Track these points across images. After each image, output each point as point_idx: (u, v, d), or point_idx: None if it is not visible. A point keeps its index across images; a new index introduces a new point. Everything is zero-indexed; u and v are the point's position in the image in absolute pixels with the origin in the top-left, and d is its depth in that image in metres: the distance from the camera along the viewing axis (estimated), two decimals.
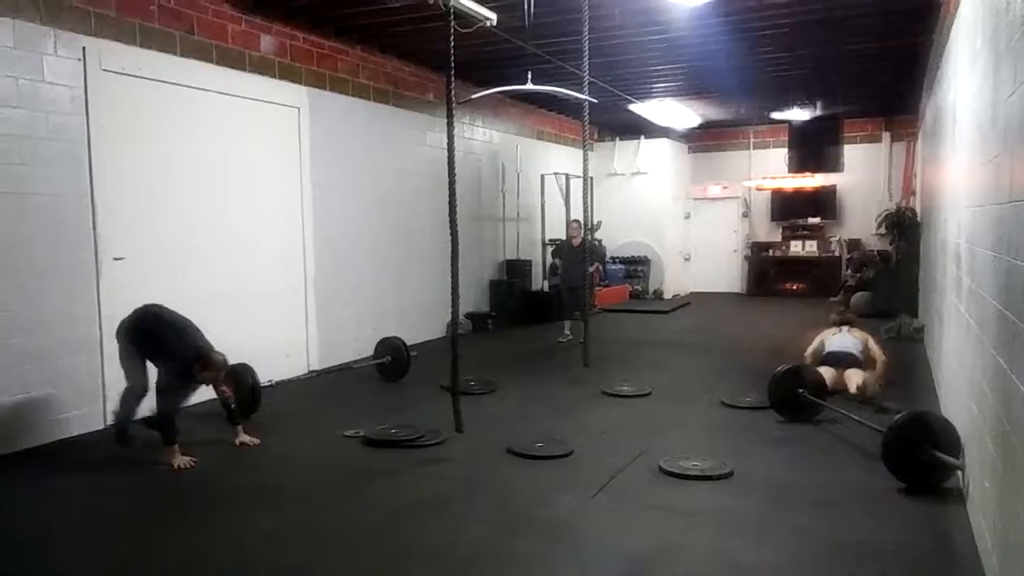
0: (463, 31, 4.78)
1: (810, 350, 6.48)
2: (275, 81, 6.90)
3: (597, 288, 11.90)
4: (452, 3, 4.51)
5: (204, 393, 5.77)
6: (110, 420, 5.20)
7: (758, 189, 14.53)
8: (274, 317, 6.98)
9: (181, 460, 4.59)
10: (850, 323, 6.71)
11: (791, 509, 3.85)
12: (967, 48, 4.30)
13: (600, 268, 11.09)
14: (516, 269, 11.17)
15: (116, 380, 5.16)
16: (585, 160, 5.80)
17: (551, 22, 6.65)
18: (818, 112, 11.96)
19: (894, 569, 3.22)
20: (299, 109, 7.19)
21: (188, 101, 6.07)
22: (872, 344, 6.36)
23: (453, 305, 4.70)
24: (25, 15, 4.90)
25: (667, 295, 14.20)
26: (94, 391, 5.35)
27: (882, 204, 13.12)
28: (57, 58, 5.09)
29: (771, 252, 14.59)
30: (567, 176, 12.13)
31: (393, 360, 6.92)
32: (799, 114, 11.97)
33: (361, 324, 7.90)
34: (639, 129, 13.62)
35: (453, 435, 4.85)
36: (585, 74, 5.70)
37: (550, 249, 11.35)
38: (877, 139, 13.70)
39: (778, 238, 14.61)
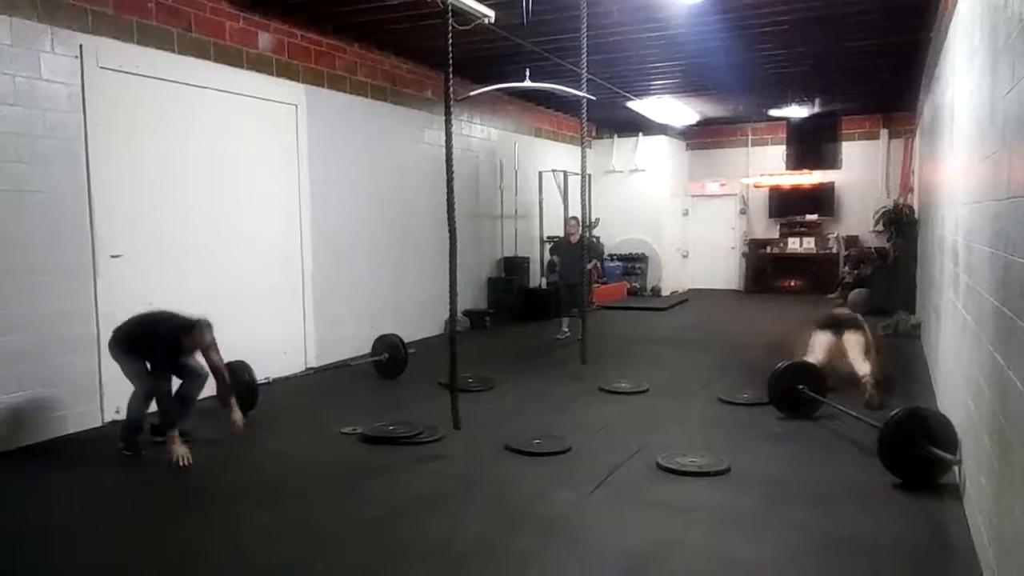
0: (461, 28, 4.78)
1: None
2: (273, 78, 6.89)
3: (595, 285, 11.90)
4: (450, 0, 4.50)
5: (203, 391, 5.78)
6: (119, 421, 5.18)
7: (756, 186, 14.53)
8: (271, 314, 6.98)
9: (179, 450, 4.55)
10: (843, 326, 6.27)
11: (788, 505, 3.86)
12: (965, 45, 4.31)
13: (598, 265, 11.09)
14: (514, 266, 11.18)
15: (113, 378, 5.16)
16: (583, 157, 5.81)
17: (549, 19, 6.65)
18: (816, 109, 11.94)
19: (891, 564, 3.23)
20: (297, 106, 7.18)
21: (186, 98, 6.06)
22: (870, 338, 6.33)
23: (451, 302, 4.70)
24: (22, 12, 4.89)
25: (665, 292, 14.20)
26: (91, 389, 5.35)
27: (880, 201, 13.14)
28: (54, 55, 5.08)
29: (769, 249, 14.60)
30: (565, 173, 12.13)
31: (391, 357, 6.92)
32: (797, 111, 11.94)
33: (359, 321, 7.90)
34: (637, 126, 13.62)
35: (451, 432, 4.86)
36: (583, 71, 5.70)
37: (548, 246, 11.36)
38: (875, 136, 13.72)
39: (776, 235, 14.63)
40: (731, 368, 7.34)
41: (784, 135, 13.79)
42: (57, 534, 3.66)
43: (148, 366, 4.81)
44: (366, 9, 6.74)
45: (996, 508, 2.81)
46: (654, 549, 3.37)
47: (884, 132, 13.62)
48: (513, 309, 10.71)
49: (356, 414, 5.54)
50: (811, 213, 14.11)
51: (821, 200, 14.00)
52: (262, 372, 5.89)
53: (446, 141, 4.53)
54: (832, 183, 13.86)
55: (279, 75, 6.96)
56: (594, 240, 12.07)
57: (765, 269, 14.53)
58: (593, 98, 6.03)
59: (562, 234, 10.33)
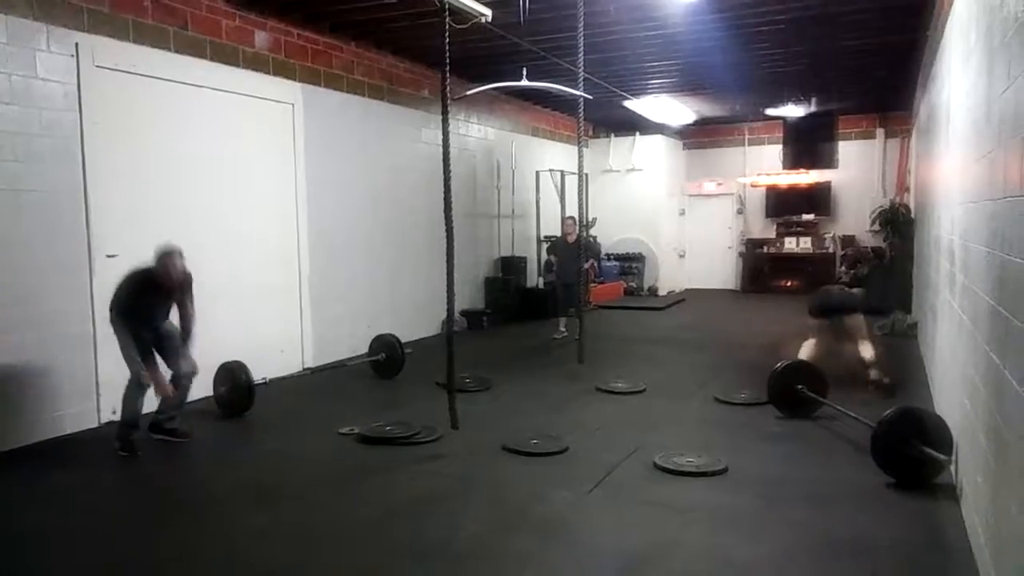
0: (458, 27, 4.77)
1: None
2: (269, 77, 6.88)
3: (592, 285, 11.90)
4: None
5: (200, 391, 5.78)
6: (115, 421, 5.16)
7: (753, 186, 14.54)
8: (268, 314, 6.97)
9: (164, 386, 4.76)
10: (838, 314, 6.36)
11: (785, 505, 3.86)
12: (961, 44, 4.31)
13: (595, 265, 11.09)
14: (511, 266, 11.17)
15: (110, 378, 5.16)
16: (580, 156, 5.80)
17: (546, 18, 6.64)
18: (813, 108, 11.97)
19: (889, 564, 3.23)
20: (293, 105, 7.17)
21: (182, 97, 6.04)
22: None
23: (449, 302, 4.69)
24: (18, 11, 4.87)
25: (662, 292, 14.21)
26: (88, 388, 5.33)
27: (876, 200, 13.15)
28: (50, 54, 5.06)
29: (766, 249, 14.61)
30: (562, 173, 12.13)
31: (388, 357, 6.91)
32: (794, 110, 11.97)
33: (356, 321, 7.89)
34: (634, 125, 13.62)
35: (448, 432, 4.85)
36: (580, 70, 5.70)
37: (545, 246, 11.37)
38: (871, 135, 13.73)
39: (772, 235, 14.64)
40: (728, 368, 7.35)
41: (781, 134, 13.84)
42: (53, 535, 3.65)
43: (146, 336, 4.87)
44: (363, 8, 6.73)
45: (992, 508, 2.82)
46: (651, 549, 3.37)
47: (880, 131, 13.63)
48: (510, 309, 10.70)
49: (353, 414, 5.53)
50: (808, 213, 14.12)
51: (818, 200, 14.01)
52: (259, 372, 5.87)
53: (443, 140, 4.52)
54: (829, 182, 13.87)
55: (276, 74, 6.95)
56: (591, 240, 12.07)
57: (762, 269, 14.54)
58: (590, 97, 6.02)
59: (559, 234, 10.34)
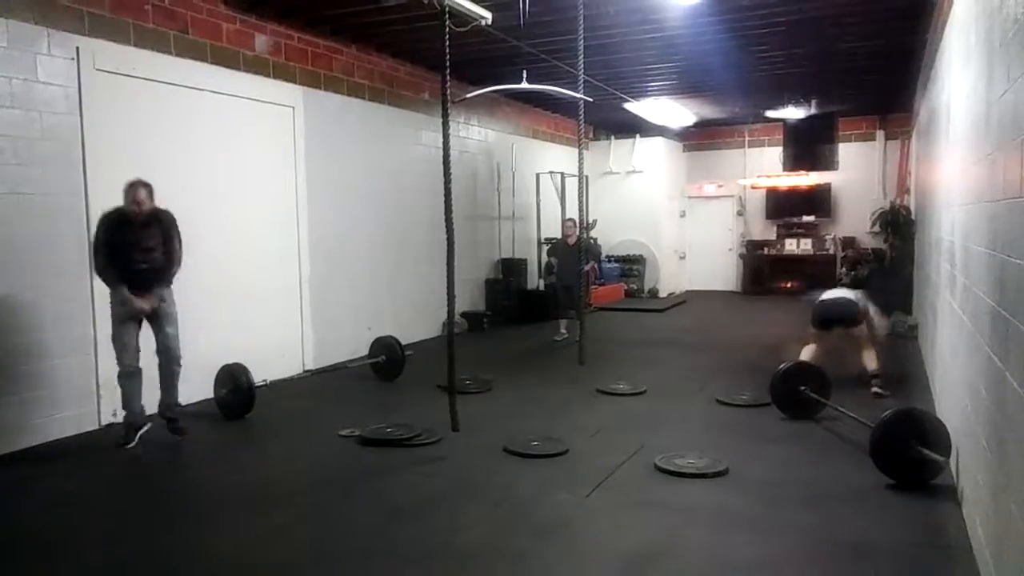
0: (458, 30, 4.77)
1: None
2: (270, 80, 6.89)
3: (592, 287, 11.90)
4: (447, 2, 4.50)
5: (200, 392, 5.79)
6: (116, 423, 5.19)
7: (753, 187, 14.55)
8: (269, 317, 6.97)
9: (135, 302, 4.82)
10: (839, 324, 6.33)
11: (786, 506, 3.86)
12: (961, 46, 4.32)
13: (595, 267, 11.08)
14: (512, 268, 11.17)
15: (110, 380, 5.16)
16: (580, 159, 5.80)
17: (546, 21, 6.65)
18: (813, 110, 11.98)
19: (889, 565, 3.23)
20: (294, 108, 7.18)
21: (182, 101, 6.05)
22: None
23: (449, 304, 4.69)
24: (18, 15, 4.88)
25: (662, 293, 14.21)
26: (88, 391, 5.33)
27: (876, 202, 13.17)
28: (51, 58, 5.07)
29: (766, 250, 14.62)
30: (562, 175, 12.13)
31: (388, 359, 6.91)
32: (794, 112, 11.97)
33: (356, 323, 7.90)
34: (634, 128, 13.63)
35: (449, 434, 4.85)
36: (580, 73, 5.70)
37: (545, 248, 11.36)
38: (871, 137, 13.74)
39: (773, 236, 14.65)
40: (728, 370, 7.34)
41: (781, 136, 13.83)
42: (54, 537, 3.65)
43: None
44: (363, 11, 6.74)
45: (993, 508, 2.82)
46: (652, 551, 3.37)
47: (880, 133, 13.64)
48: (511, 311, 10.71)
49: (354, 416, 5.53)
50: (808, 214, 14.13)
51: (818, 201, 14.01)
52: (260, 375, 5.87)
53: (443, 143, 4.53)
54: (829, 184, 13.88)
55: (276, 77, 6.96)
56: (591, 242, 12.06)
57: (762, 270, 14.54)
58: (590, 99, 6.03)
59: (559, 236, 10.33)
